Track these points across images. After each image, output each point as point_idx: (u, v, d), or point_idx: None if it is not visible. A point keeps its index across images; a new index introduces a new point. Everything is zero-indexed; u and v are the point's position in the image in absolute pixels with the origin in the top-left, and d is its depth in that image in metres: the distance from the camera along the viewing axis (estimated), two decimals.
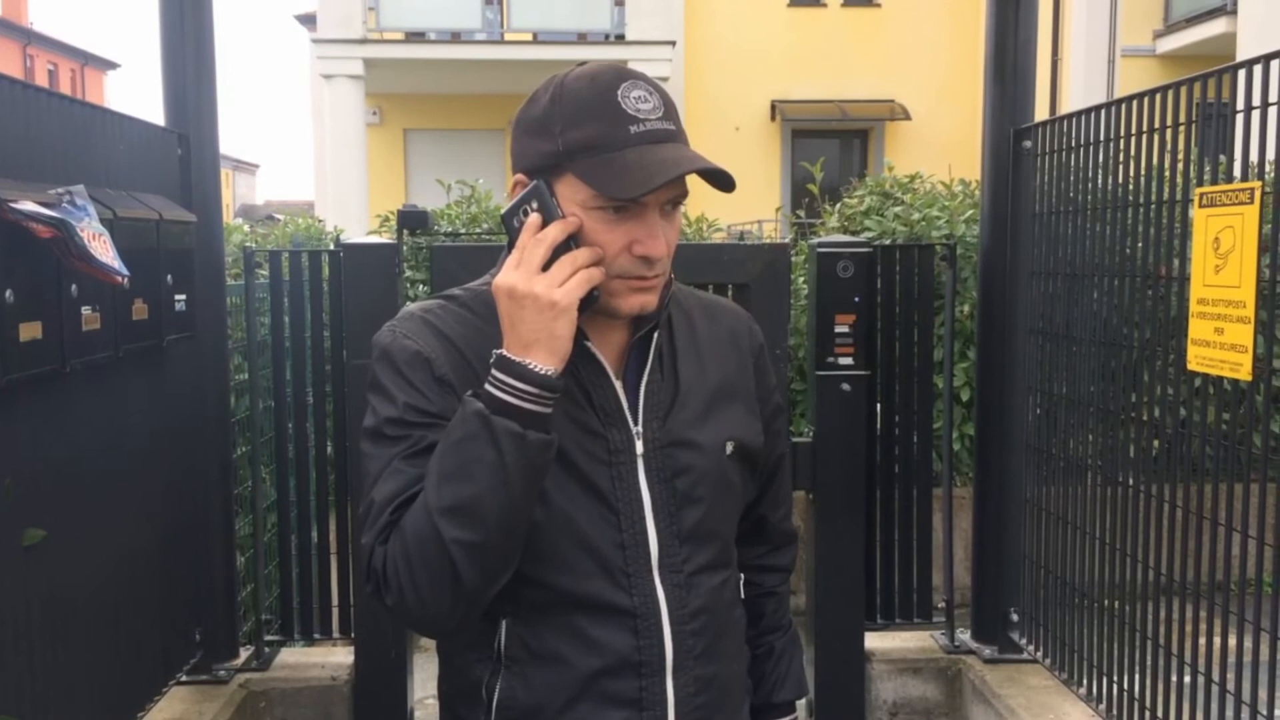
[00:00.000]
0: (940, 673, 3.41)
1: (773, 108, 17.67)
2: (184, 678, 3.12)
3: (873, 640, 3.45)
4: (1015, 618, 3.31)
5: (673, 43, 15.01)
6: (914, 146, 17.03)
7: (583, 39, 15.70)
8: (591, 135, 1.30)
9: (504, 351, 1.27)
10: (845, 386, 3.24)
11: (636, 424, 1.42)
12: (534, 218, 1.30)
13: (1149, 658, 2.65)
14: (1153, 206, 2.57)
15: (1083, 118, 2.89)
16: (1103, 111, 2.80)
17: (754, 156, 17.37)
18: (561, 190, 1.32)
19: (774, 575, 1.74)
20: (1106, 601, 2.82)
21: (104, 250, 2.18)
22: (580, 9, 15.28)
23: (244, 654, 3.36)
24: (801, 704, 1.98)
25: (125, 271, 2.22)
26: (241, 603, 3.41)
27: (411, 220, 3.13)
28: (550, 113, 1.33)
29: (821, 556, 3.30)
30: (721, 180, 1.35)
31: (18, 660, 2.17)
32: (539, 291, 1.26)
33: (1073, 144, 2.93)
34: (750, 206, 12.11)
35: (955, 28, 17.30)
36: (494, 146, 17.04)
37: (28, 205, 1.98)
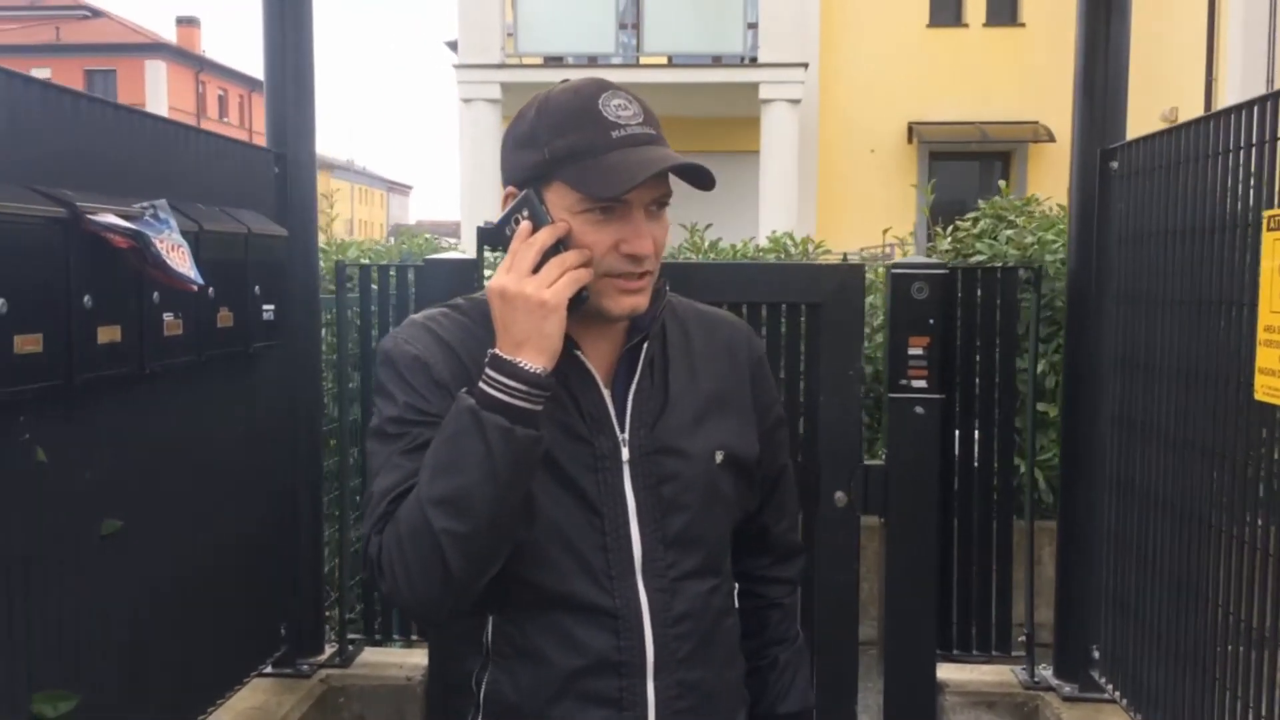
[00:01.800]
0: (1016, 708, 3.31)
1: (909, 130, 17.41)
2: (268, 669, 3.28)
3: (948, 671, 3.37)
4: (1096, 655, 3.19)
5: (805, 65, 14.97)
6: (1057, 169, 16.49)
7: (717, 62, 15.79)
8: (575, 142, 1.36)
9: (497, 350, 1.33)
10: (919, 410, 3.19)
11: (623, 431, 1.46)
12: (525, 224, 1.36)
13: (1224, 706, 2.53)
14: (1224, 231, 2.47)
15: (1165, 137, 2.79)
16: (1184, 131, 2.70)
17: (889, 179, 17.13)
18: (550, 197, 1.38)
19: (779, 587, 1.76)
20: (1182, 644, 2.70)
21: (181, 260, 2.33)
22: (713, 32, 15.37)
23: (328, 650, 3.51)
24: None
25: (200, 281, 2.37)
26: (328, 603, 3.56)
27: (490, 237, 3.21)
28: (537, 125, 1.40)
29: (892, 583, 3.25)
30: (701, 178, 1.39)
31: (93, 642, 2.32)
32: (529, 292, 1.31)
33: (1156, 165, 2.84)
34: (890, 230, 11.96)
35: None
36: None
37: (106, 218, 2.14)
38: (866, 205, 15.97)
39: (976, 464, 3.35)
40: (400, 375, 1.43)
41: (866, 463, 3.20)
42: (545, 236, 1.35)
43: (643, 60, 15.63)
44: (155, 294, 2.38)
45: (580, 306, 1.37)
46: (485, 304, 1.46)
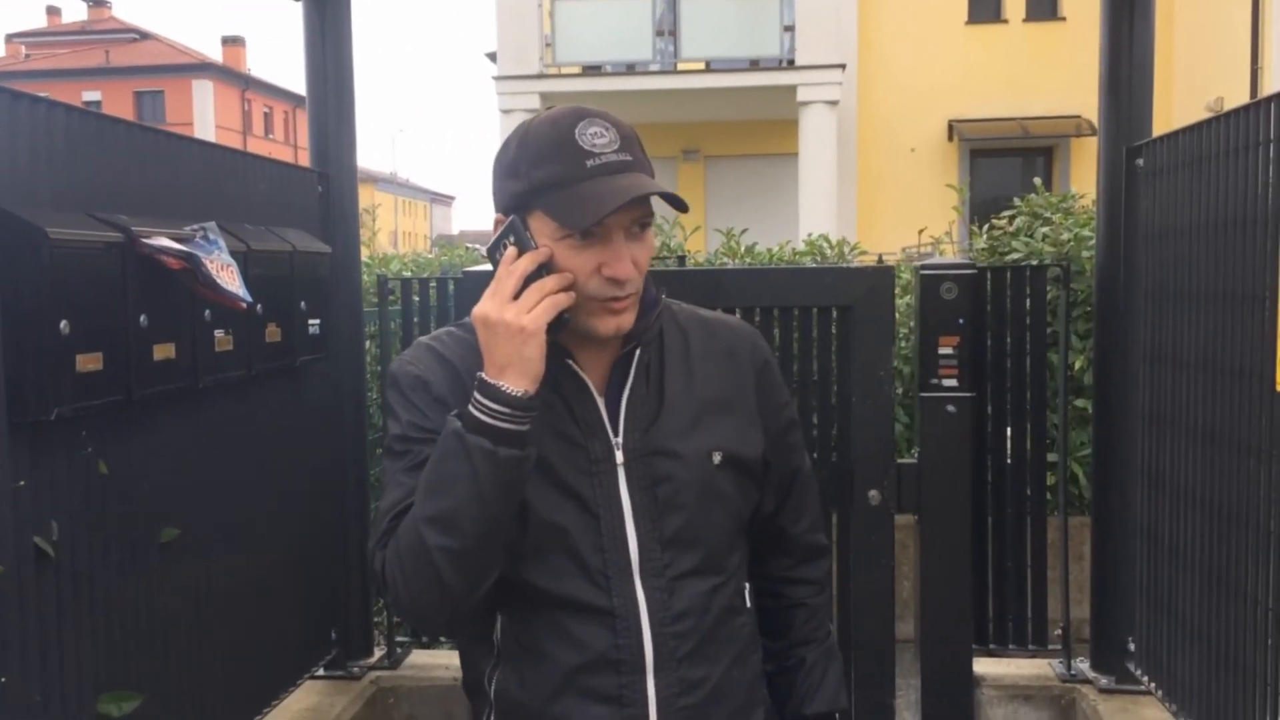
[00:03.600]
0: (1053, 701, 3.35)
1: (950, 128, 17.33)
2: (320, 672, 3.39)
3: (985, 665, 3.41)
4: (1132, 647, 3.21)
5: (843, 66, 14.97)
6: None
7: (755, 65, 15.83)
8: (553, 173, 1.41)
9: (482, 374, 1.39)
10: (950, 408, 3.23)
11: (617, 435, 1.52)
12: (510, 250, 1.42)
13: (1259, 698, 2.55)
14: (1249, 225, 2.50)
15: (1188, 134, 2.82)
16: (1206, 127, 2.73)
17: (930, 178, 17.04)
18: (534, 225, 1.43)
19: (803, 587, 1.78)
20: (1216, 637, 2.73)
21: (230, 279, 2.44)
22: (750, 36, 15.41)
23: (377, 653, 3.61)
24: None
25: (249, 298, 2.48)
26: (376, 607, 3.66)
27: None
28: (518, 156, 1.45)
29: (927, 579, 3.29)
30: (674, 201, 1.46)
31: (154, 645, 2.43)
32: (509, 319, 1.37)
33: (1181, 161, 2.86)
34: (928, 229, 11.93)
35: None
36: (666, 174, 17.32)
37: (159, 240, 2.25)
38: (907, 205, 15.91)
39: (1010, 460, 3.38)
40: (404, 395, 1.52)
41: (900, 461, 3.25)
42: (526, 263, 1.40)
43: (680, 66, 15.71)
44: (206, 312, 2.49)
45: (561, 329, 1.43)
46: None
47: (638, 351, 1.54)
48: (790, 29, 15.32)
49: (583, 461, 1.50)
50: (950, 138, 17.41)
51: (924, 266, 3.27)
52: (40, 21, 48.38)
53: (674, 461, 1.53)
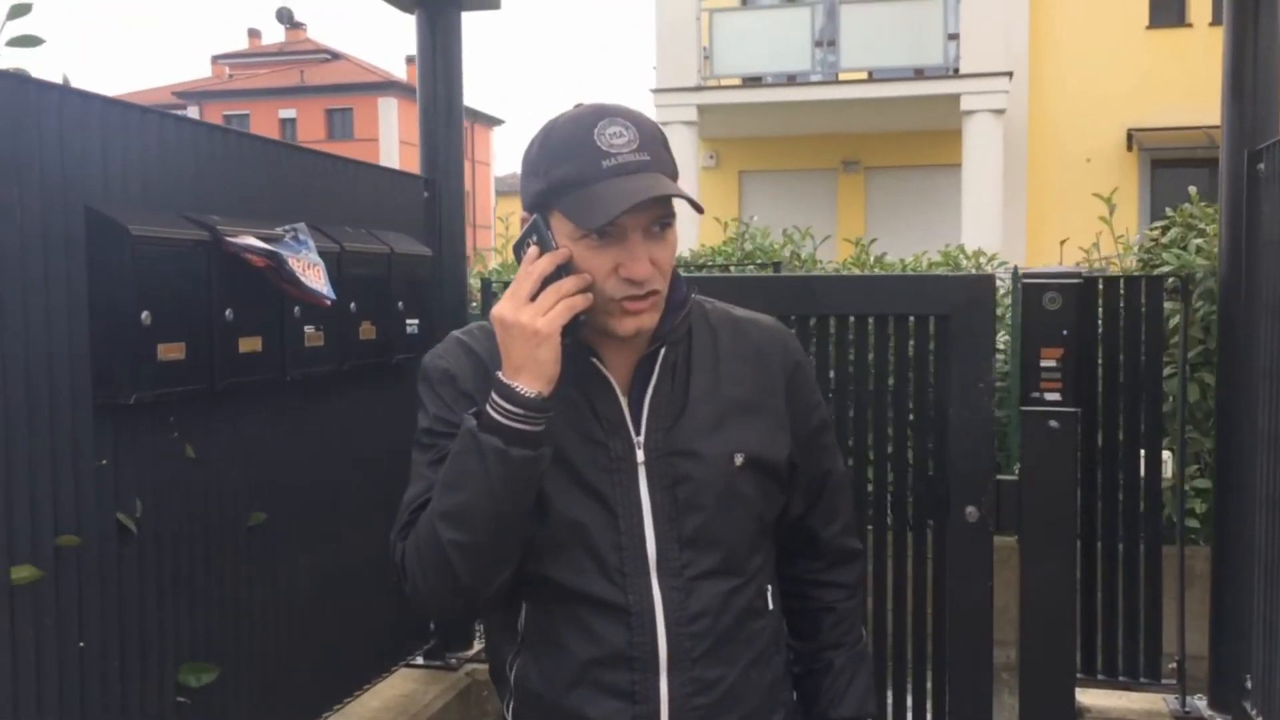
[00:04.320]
0: None
1: (1129, 137, 16.55)
2: (418, 660, 3.50)
3: (1091, 697, 3.25)
4: (1249, 685, 3.00)
5: (1009, 74, 14.51)
6: None
7: (919, 74, 15.50)
8: (570, 173, 1.43)
9: (499, 374, 1.42)
10: (1053, 423, 3.10)
11: (639, 434, 1.52)
12: (532, 250, 1.44)
13: None
14: None
15: None
16: None
17: (1107, 189, 16.29)
18: (554, 224, 1.45)
19: (833, 591, 1.76)
20: None
21: (316, 278, 2.56)
22: (913, 45, 15.10)
23: (476, 646, 3.70)
24: None
25: (332, 296, 2.59)
26: None
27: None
28: (540, 155, 1.47)
29: (1027, 601, 3.16)
30: (690, 202, 1.45)
31: (239, 622, 2.57)
32: (524, 321, 1.39)
33: None
34: (1105, 241, 11.42)
35: None
36: (826, 186, 17.15)
37: (244, 239, 2.39)
38: (1082, 217, 15.25)
39: (1122, 480, 3.22)
40: (432, 389, 1.56)
41: (999, 477, 3.14)
42: (545, 264, 1.42)
43: (841, 77, 15.52)
44: (296, 309, 2.62)
45: (577, 331, 1.44)
46: None
47: (662, 351, 1.55)
48: (955, 37, 14.94)
49: (603, 459, 1.51)
50: (1129, 147, 16.62)
51: (1027, 275, 3.16)
52: (242, 43, 51.59)
53: (694, 462, 1.53)
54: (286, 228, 2.58)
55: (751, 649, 1.59)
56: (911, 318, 3.16)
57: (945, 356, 3.09)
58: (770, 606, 1.65)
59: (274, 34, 50.69)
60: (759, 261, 5.76)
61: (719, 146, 17.58)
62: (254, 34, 50.81)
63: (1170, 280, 3.21)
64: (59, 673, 2.00)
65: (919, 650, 3.17)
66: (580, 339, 1.49)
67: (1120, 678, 3.25)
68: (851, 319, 3.19)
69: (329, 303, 2.60)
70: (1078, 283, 3.11)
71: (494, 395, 1.41)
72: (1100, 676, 3.26)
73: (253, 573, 2.60)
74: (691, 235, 14.65)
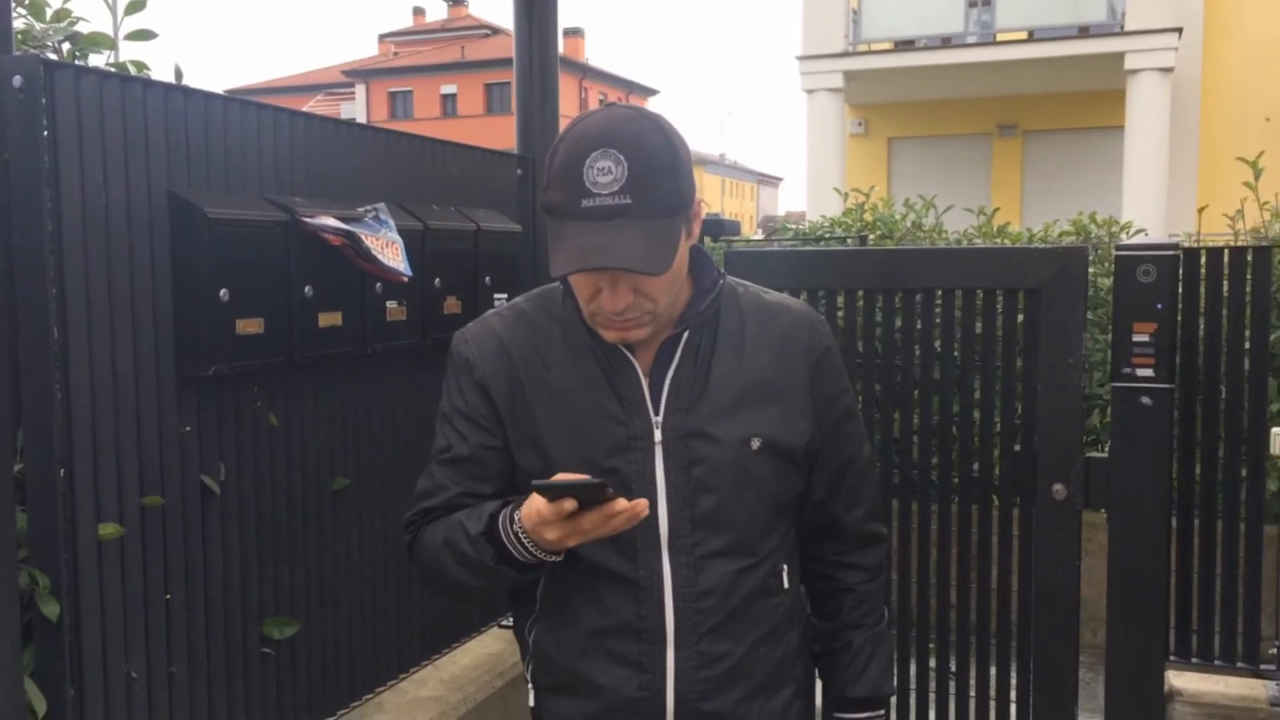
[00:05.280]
0: None
1: None
2: (507, 623, 3.63)
3: (1182, 680, 3.14)
4: None
5: (1179, 30, 13.72)
6: None
7: (1084, 33, 14.81)
8: (556, 200, 1.48)
9: (520, 516, 1.49)
10: (1145, 400, 2.99)
11: (658, 414, 1.57)
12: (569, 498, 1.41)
13: None
14: None
15: None
16: None
17: None
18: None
19: (854, 573, 1.78)
20: None
21: (394, 256, 2.69)
22: (1072, 1, 14.44)
23: None
24: None
25: (408, 273, 2.71)
26: None
27: (710, 229, 3.38)
28: (551, 163, 1.52)
29: (1116, 581, 3.06)
30: (640, 267, 1.44)
31: (324, 580, 2.73)
32: (546, 537, 1.45)
33: None
34: (1251, 208, 10.74)
35: None
36: (980, 151, 16.64)
37: (321, 219, 2.52)
38: (1261, 180, 14.34)
39: (1222, 459, 3.08)
40: (453, 374, 1.68)
41: (1088, 455, 3.05)
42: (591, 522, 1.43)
43: (999, 37, 14.98)
44: (378, 285, 2.75)
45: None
46: (547, 296, 1.67)
47: (685, 334, 1.59)
48: None
49: (621, 437, 1.57)
50: None
51: (1120, 247, 3.04)
52: (407, 21, 53.19)
53: (710, 444, 1.57)
54: (367, 208, 2.71)
55: (762, 626, 1.63)
56: (1000, 292, 3.09)
57: (1034, 332, 3.01)
58: (785, 585, 1.68)
59: (438, 10, 52.07)
60: (879, 234, 5.68)
61: (867, 113, 17.24)
62: (419, 12, 52.32)
63: (1278, 250, 3.03)
64: (145, 620, 2.18)
65: (1004, 629, 3.12)
66: None
67: (1216, 661, 3.13)
68: (939, 294, 3.14)
69: (405, 279, 2.72)
70: (1173, 254, 2.98)
71: (511, 515, 1.51)
72: (1195, 660, 3.14)
73: (336, 534, 2.76)
74: (834, 205, 14.46)
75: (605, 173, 1.43)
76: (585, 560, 1.58)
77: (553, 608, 1.66)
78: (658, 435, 1.57)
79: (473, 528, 1.54)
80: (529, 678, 1.74)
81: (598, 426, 1.57)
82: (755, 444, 1.59)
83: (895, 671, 2.18)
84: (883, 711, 1.79)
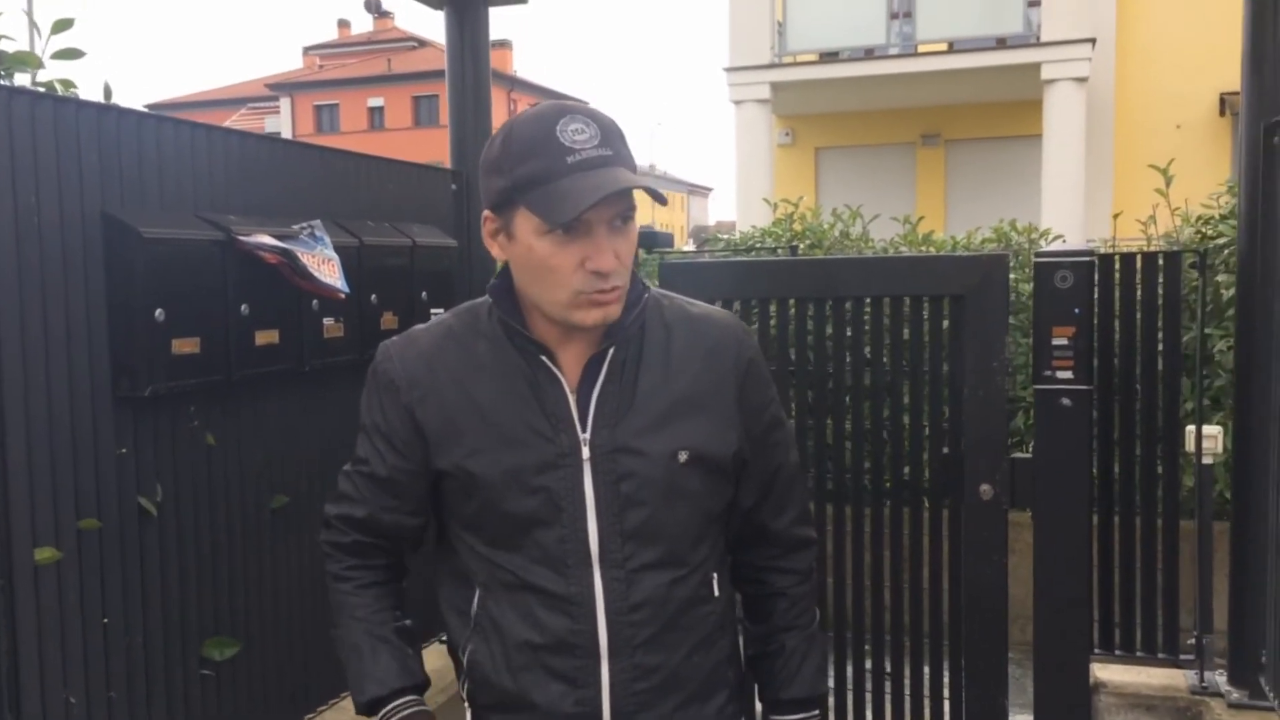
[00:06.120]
0: (1179, 713, 3.14)
1: (1221, 102, 15.97)
2: (444, 639, 3.64)
3: (1107, 672, 3.25)
4: (1264, 660, 2.98)
5: (1092, 40, 14.13)
6: None
7: (1001, 44, 15.18)
8: (535, 169, 1.47)
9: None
10: (1065, 401, 3.10)
11: (585, 430, 1.57)
12: None
13: None
14: None
15: None
16: None
17: (1198, 157, 15.75)
18: (519, 222, 1.50)
19: (784, 577, 1.80)
20: None
21: (331, 272, 2.70)
22: (990, 13, 14.79)
23: None
24: None
25: (346, 289, 2.72)
26: None
27: (644, 240, 3.42)
28: (503, 153, 1.51)
29: (1040, 578, 3.17)
30: (653, 193, 1.52)
31: (263, 599, 2.72)
32: None
33: None
34: (1163, 214, 11.12)
35: None
36: (904, 160, 16.92)
37: (258, 238, 2.52)
38: (1173, 187, 14.80)
39: (1138, 458, 3.20)
40: (377, 389, 1.67)
41: (1013, 456, 3.15)
42: None
43: (921, 49, 15.28)
44: (314, 302, 2.76)
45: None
46: (474, 313, 1.66)
47: (611, 350, 1.60)
48: (1035, 3, 14.60)
49: (550, 454, 1.57)
50: (1223, 112, 16.04)
51: (1039, 254, 3.15)
52: (332, 34, 52.67)
53: (638, 459, 1.58)
54: (303, 225, 2.72)
55: (694, 635, 1.64)
56: (926, 299, 3.18)
57: (959, 337, 3.11)
58: (716, 593, 1.69)
59: (363, 23, 51.61)
60: (808, 244, 5.77)
61: (794, 123, 17.44)
62: (344, 24, 51.83)
63: (1189, 255, 3.17)
64: (83, 644, 2.17)
65: (936, 628, 3.20)
66: (533, 337, 1.57)
67: (1139, 653, 3.25)
68: (869, 301, 3.22)
69: (342, 296, 2.73)
70: (1089, 261, 3.10)
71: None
72: (1118, 652, 3.26)
73: (276, 553, 2.76)
74: (764, 215, 14.63)
75: (580, 132, 1.46)
76: (518, 578, 1.59)
77: (487, 626, 1.65)
78: (586, 452, 1.57)
79: (368, 669, 1.68)
80: (464, 696, 1.73)
81: (526, 444, 1.57)
82: (683, 457, 1.60)
83: (831, 672, 2.23)
84: (818, 712, 1.82)
